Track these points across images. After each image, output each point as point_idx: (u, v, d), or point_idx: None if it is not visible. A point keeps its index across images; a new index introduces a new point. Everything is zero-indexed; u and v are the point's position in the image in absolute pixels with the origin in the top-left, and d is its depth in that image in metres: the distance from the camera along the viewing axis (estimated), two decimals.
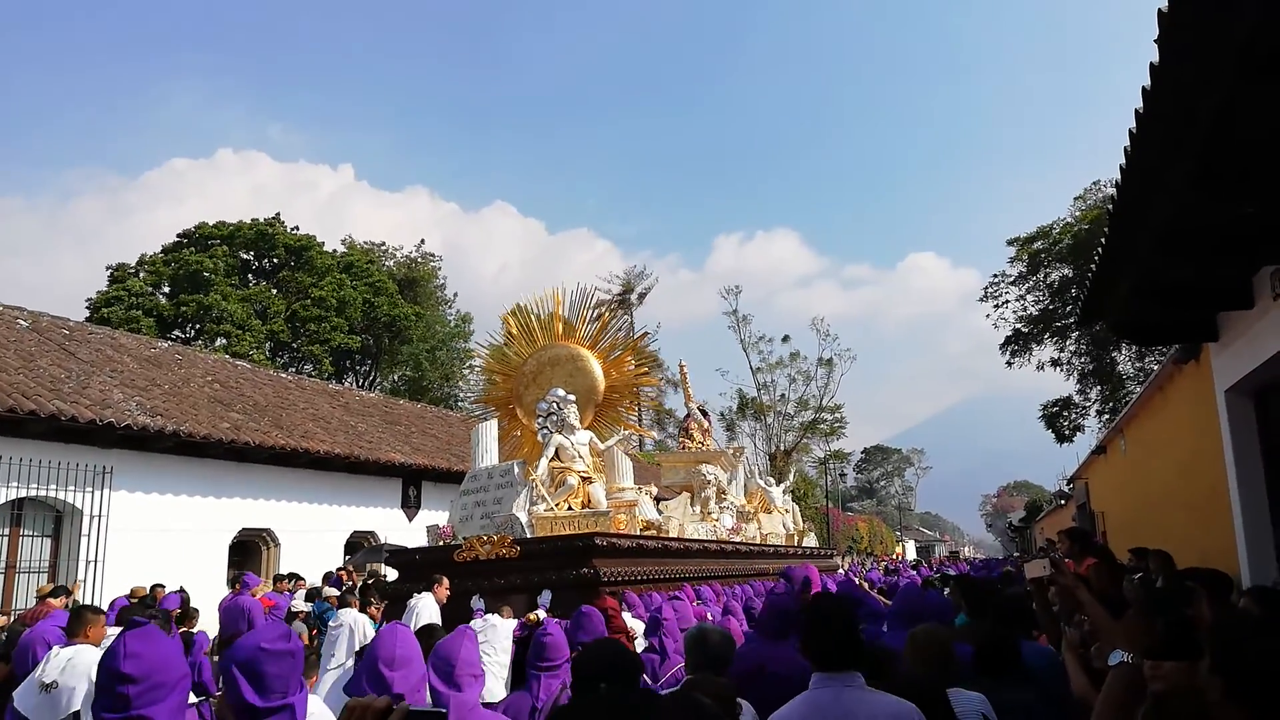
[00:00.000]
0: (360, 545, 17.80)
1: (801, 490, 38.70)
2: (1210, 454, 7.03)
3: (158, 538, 12.96)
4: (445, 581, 7.87)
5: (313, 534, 16.14)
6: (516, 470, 9.42)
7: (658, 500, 11.99)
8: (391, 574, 14.34)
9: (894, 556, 48.62)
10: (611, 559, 8.24)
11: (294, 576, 13.08)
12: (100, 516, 12.23)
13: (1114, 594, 6.03)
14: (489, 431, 10.69)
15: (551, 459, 9.64)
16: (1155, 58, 3.33)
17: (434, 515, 19.46)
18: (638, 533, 9.38)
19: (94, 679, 5.71)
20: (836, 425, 48.19)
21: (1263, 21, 2.88)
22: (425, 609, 7.43)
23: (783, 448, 45.42)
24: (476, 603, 7.73)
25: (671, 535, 10.44)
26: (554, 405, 10.02)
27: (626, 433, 12.17)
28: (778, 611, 4.56)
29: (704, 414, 16.44)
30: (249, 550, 15.50)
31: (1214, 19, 3.01)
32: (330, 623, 7.75)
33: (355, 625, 7.31)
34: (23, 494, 11.45)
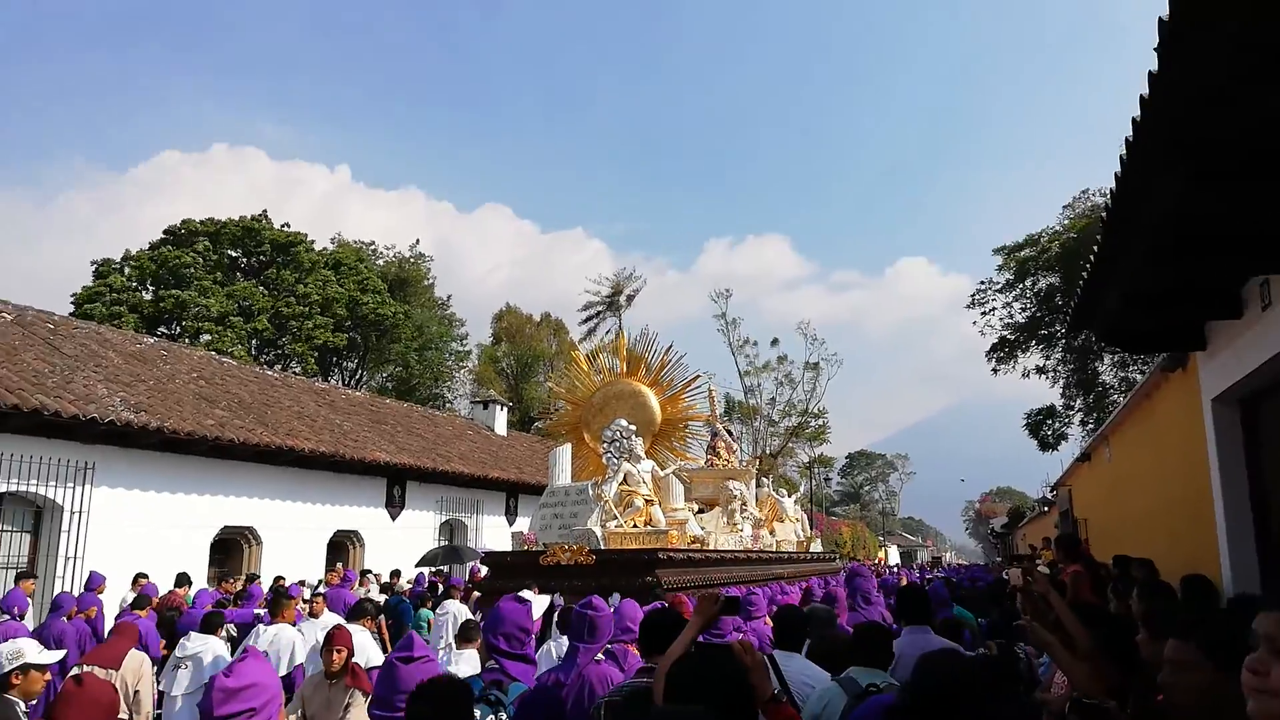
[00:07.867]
0: (344, 544, 17.73)
1: (785, 494, 38.70)
2: (1195, 462, 7.07)
3: (139, 534, 12.85)
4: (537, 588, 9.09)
5: (296, 532, 16.04)
6: (590, 490, 11.10)
7: (697, 513, 13.34)
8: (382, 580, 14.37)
9: (877, 561, 48.80)
10: (670, 569, 9.69)
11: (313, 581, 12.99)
12: (81, 513, 12.11)
13: (1095, 602, 6.06)
14: (564, 454, 12.41)
15: (620, 483, 10.93)
16: (1154, 66, 3.35)
17: (418, 515, 19.42)
18: (687, 547, 10.87)
19: (294, 651, 6.98)
20: (820, 430, 48.19)
21: (1253, 31, 2.91)
22: (536, 600, 8.38)
23: (768, 451, 45.34)
24: (557, 599, 8.76)
25: (710, 547, 11.92)
26: (618, 434, 11.29)
27: (681, 463, 13.90)
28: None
29: (729, 433, 17.94)
30: (231, 548, 15.38)
31: (1212, 28, 3.03)
32: (438, 610, 9.62)
33: (458, 613, 9.01)
34: (2, 489, 11.32)
